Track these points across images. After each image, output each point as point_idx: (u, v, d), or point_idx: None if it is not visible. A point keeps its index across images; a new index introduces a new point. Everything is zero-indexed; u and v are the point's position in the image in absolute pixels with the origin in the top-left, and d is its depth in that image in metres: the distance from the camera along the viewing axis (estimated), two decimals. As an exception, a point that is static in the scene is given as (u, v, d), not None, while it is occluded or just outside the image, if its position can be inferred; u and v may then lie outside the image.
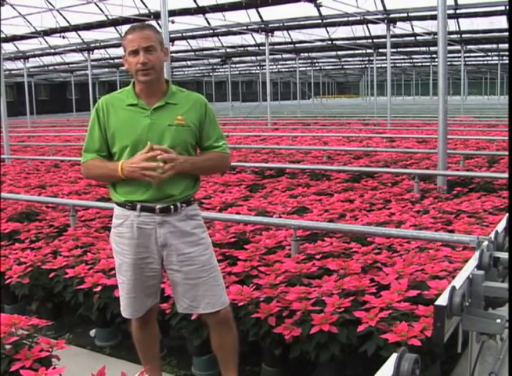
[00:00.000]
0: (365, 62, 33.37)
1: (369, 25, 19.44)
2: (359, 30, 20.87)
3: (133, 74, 2.48)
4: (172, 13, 13.21)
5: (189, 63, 33.29)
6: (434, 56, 26.21)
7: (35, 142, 14.26)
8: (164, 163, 2.35)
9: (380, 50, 22.85)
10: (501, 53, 27.66)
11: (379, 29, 19.18)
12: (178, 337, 3.34)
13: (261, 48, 22.55)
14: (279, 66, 37.89)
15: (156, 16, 14.51)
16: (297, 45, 24.57)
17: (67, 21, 18.61)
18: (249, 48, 24.93)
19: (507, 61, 25.82)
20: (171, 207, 2.46)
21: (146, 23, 2.72)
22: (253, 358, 3.19)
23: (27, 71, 27.14)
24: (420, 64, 38.37)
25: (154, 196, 2.44)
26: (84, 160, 2.54)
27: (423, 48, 26.07)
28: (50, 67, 32.16)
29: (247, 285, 3.15)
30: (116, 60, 28.36)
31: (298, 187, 6.49)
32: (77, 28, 18.82)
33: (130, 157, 2.42)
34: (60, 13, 17.74)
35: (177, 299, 2.61)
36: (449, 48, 10.61)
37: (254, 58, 30.21)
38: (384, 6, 16.13)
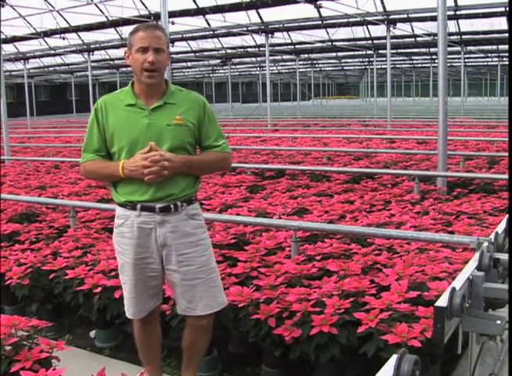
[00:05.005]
0: (366, 63, 33.39)
1: (369, 26, 19.47)
2: (359, 32, 20.91)
3: (136, 72, 2.43)
4: (172, 14, 13.24)
5: (189, 64, 33.33)
6: (434, 57, 26.23)
7: (35, 143, 14.26)
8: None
9: (380, 51, 22.86)
10: (501, 54, 27.68)
11: (379, 30, 19.21)
12: (178, 338, 3.33)
13: (261, 49, 22.54)
14: (279, 68, 37.92)
15: (157, 17, 14.50)
16: (297, 46, 24.60)
17: (67, 22, 18.64)
18: (249, 50, 24.93)
19: (507, 62, 25.82)
20: (171, 206, 2.45)
21: (156, 23, 2.70)
22: (253, 359, 3.18)
23: (27, 72, 27.18)
24: (419, 65, 38.41)
25: (154, 195, 2.44)
26: (83, 161, 2.54)
27: (423, 50, 26.09)
28: (50, 68, 32.18)
29: (247, 286, 3.15)
30: (116, 61, 28.39)
31: (298, 188, 6.48)
32: (77, 29, 18.85)
33: (128, 157, 2.42)
34: (60, 14, 17.75)
35: (176, 301, 2.62)
36: (449, 49, 10.59)
37: (254, 59, 30.23)
38: (383, 7, 16.14)
